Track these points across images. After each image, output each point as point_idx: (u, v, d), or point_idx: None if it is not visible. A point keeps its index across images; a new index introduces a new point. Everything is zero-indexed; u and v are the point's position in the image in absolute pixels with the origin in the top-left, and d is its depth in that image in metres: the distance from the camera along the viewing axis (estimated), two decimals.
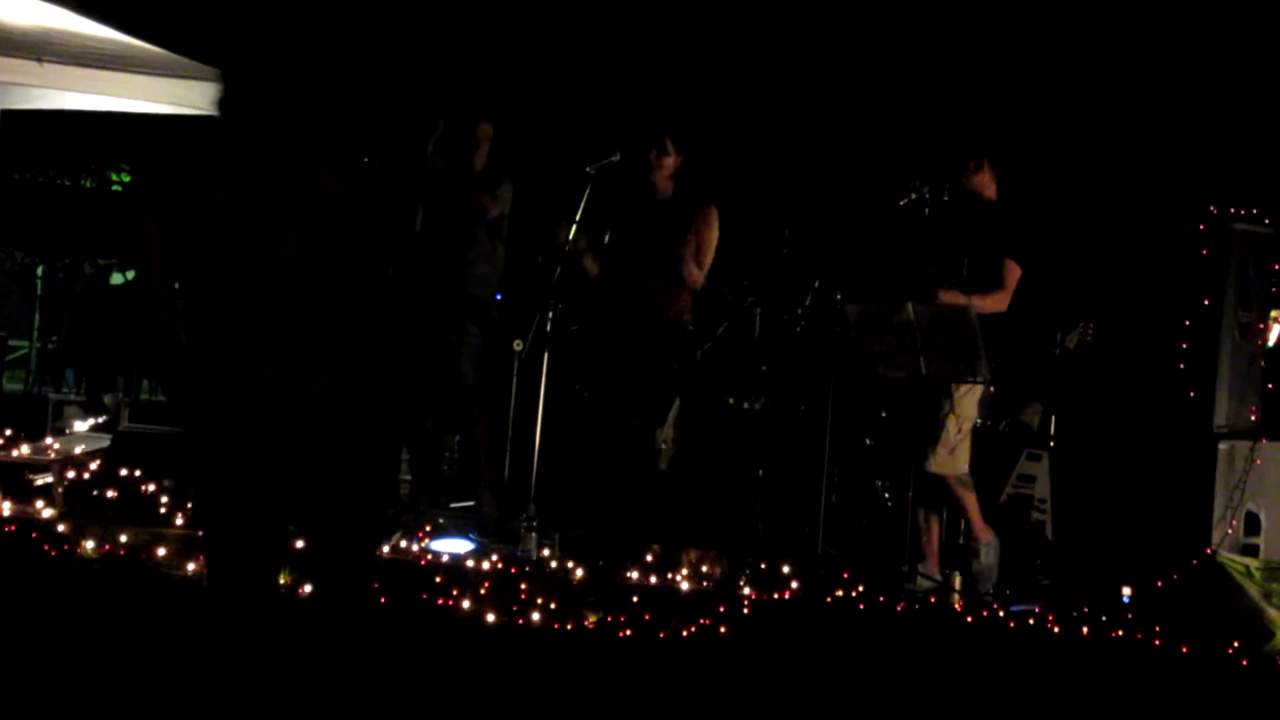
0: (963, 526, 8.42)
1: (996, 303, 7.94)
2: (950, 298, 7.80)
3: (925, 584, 7.90)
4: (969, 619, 7.50)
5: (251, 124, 5.08)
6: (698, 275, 8.30)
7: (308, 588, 6.01)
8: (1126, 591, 7.80)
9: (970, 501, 8.08)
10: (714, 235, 8.36)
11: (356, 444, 5.18)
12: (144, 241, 4.98)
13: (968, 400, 8.00)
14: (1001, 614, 7.54)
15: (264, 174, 4.99)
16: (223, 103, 5.11)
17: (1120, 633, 7.32)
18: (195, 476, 5.17)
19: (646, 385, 8.36)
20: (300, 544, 5.57)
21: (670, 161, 8.37)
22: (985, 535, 8.10)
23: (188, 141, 5.27)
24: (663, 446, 8.68)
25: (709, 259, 8.36)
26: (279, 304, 4.94)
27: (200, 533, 5.41)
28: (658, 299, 8.35)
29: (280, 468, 5.00)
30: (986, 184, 8.10)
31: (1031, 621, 7.41)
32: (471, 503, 9.00)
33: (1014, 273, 7.95)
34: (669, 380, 8.38)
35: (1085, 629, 7.32)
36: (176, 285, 5.02)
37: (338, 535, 5.21)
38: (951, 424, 7.96)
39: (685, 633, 6.89)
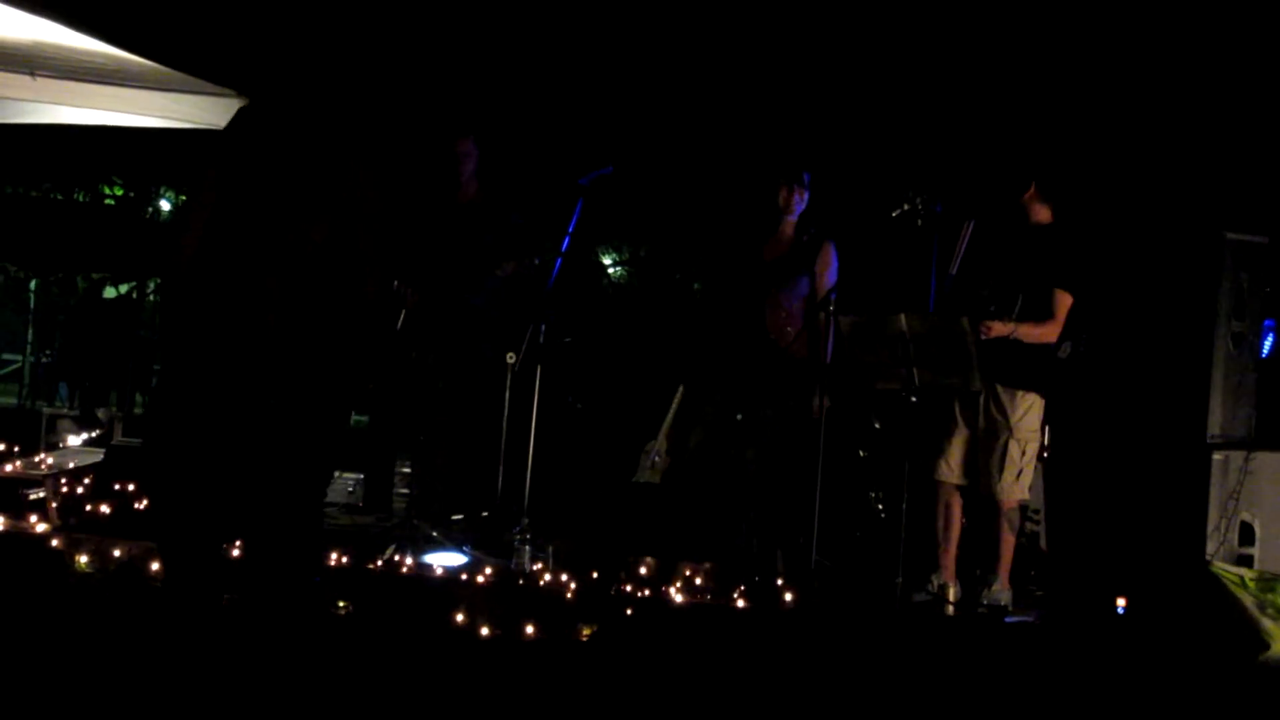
0: (956, 536, 8.36)
1: (1045, 333, 7.81)
2: (999, 330, 7.72)
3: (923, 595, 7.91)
4: (964, 631, 7.50)
5: (309, 116, 5.16)
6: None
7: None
8: (1121, 602, 7.80)
9: (1009, 543, 8.00)
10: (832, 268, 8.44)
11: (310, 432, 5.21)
12: (200, 194, 5.06)
13: (1027, 421, 7.92)
14: (996, 626, 7.54)
15: (308, 161, 5.07)
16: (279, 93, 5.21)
17: (1114, 643, 7.32)
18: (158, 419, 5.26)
19: (766, 418, 8.34)
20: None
21: (806, 197, 8.42)
22: (1006, 582, 8.03)
23: (253, 117, 5.33)
24: (655, 460, 8.69)
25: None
26: (288, 283, 5.00)
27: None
28: (775, 333, 8.38)
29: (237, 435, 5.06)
30: (1038, 206, 8.02)
31: (1026, 633, 7.40)
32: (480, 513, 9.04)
33: (1064, 302, 7.80)
34: (788, 414, 8.34)
35: (1079, 640, 7.31)
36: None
37: (279, 535, 5.23)
38: (1014, 448, 7.86)
39: (678, 645, 6.88)
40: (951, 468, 8.03)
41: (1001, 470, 7.85)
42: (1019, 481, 7.91)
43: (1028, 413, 7.90)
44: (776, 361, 8.35)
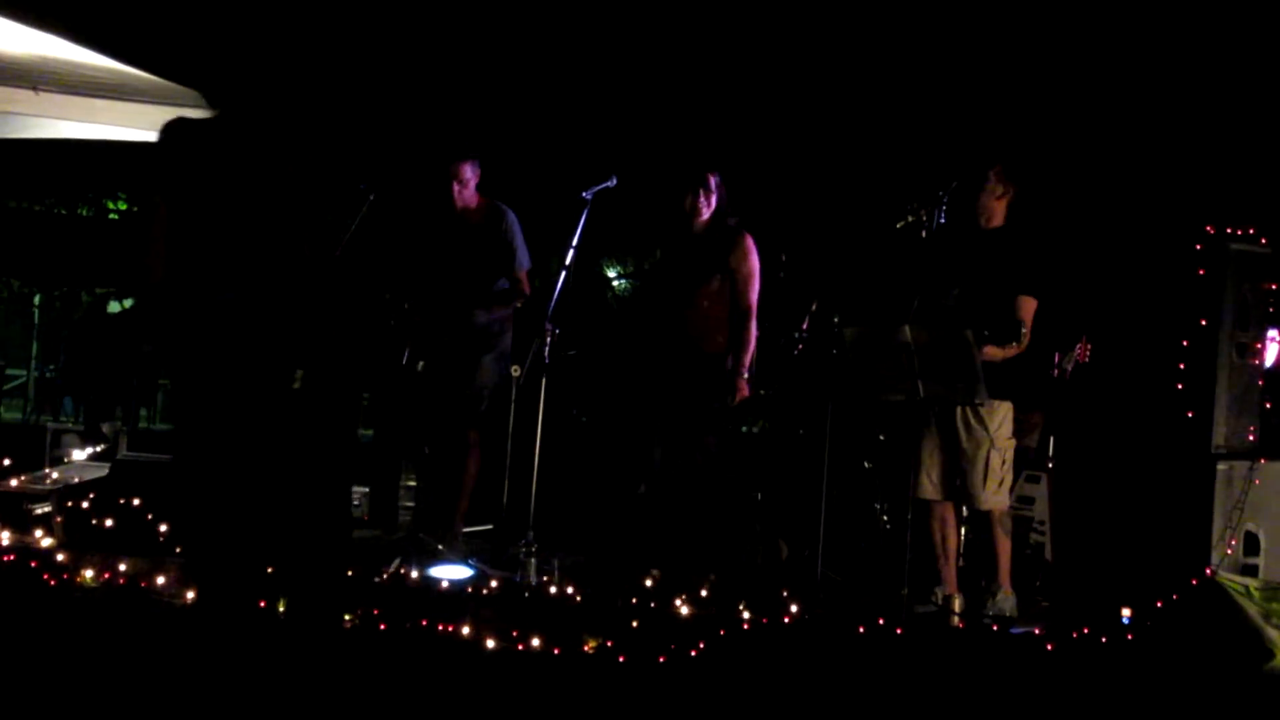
0: (954, 549, 8.33)
1: (1019, 346, 7.86)
2: (990, 353, 7.70)
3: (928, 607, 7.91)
4: (970, 642, 7.49)
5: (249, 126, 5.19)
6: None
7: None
8: (1126, 613, 7.78)
9: (1006, 548, 8.00)
10: (754, 265, 8.46)
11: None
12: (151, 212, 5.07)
13: (1004, 430, 7.90)
14: (1002, 637, 7.53)
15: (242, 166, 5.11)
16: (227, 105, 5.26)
17: (1120, 654, 7.31)
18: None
19: (679, 420, 8.37)
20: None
21: (713, 199, 8.45)
22: (1009, 588, 8.02)
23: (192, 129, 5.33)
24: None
25: (753, 290, 8.47)
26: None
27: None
28: (694, 332, 8.41)
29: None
30: (997, 210, 8.03)
31: (1031, 643, 7.40)
32: (485, 526, 9.04)
33: (1029, 307, 7.83)
34: (705, 417, 8.38)
35: (1085, 650, 7.30)
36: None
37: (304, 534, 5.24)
38: (995, 458, 7.86)
39: (684, 657, 6.87)
40: (934, 484, 8.02)
41: (985, 482, 7.85)
42: (1001, 490, 7.91)
43: (1004, 422, 7.90)
44: (698, 362, 8.36)
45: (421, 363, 8.77)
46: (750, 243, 8.43)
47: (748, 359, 8.30)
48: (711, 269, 8.37)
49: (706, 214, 8.46)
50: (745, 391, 8.32)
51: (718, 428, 8.42)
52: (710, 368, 8.35)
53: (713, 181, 8.47)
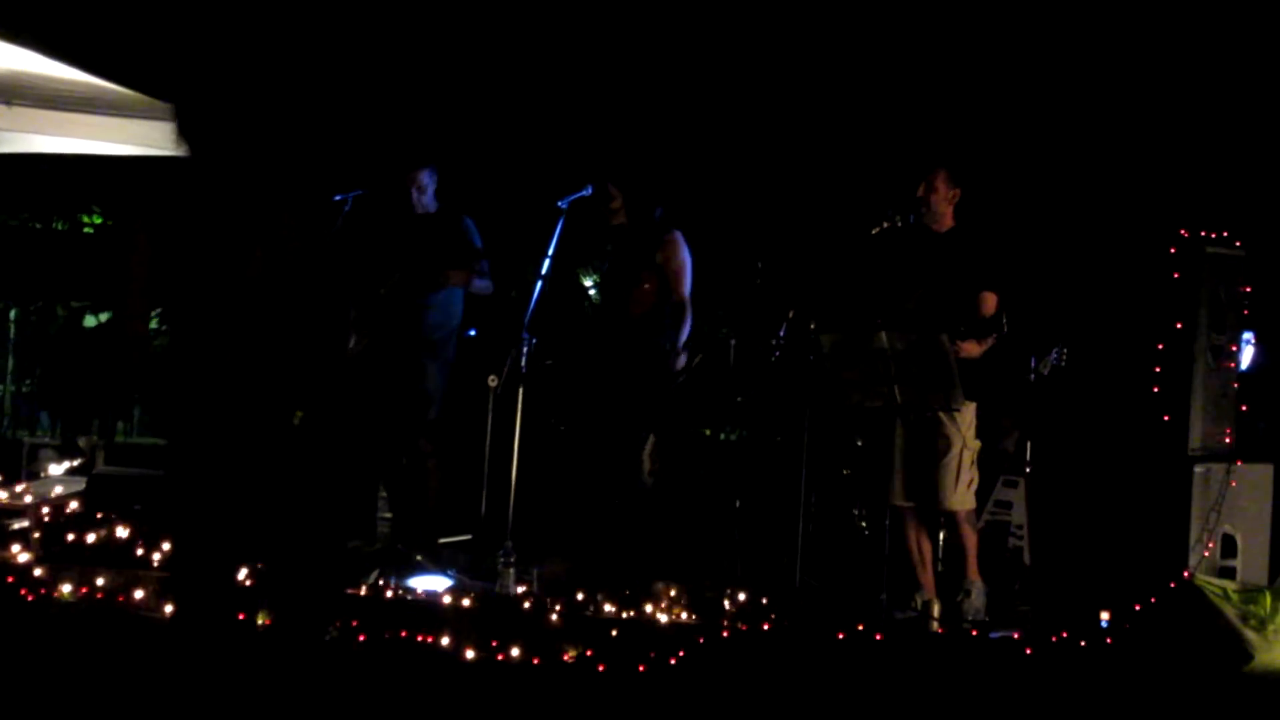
0: (930, 554, 8.33)
1: (997, 338, 7.87)
2: (973, 351, 7.72)
3: (907, 613, 7.91)
4: (949, 648, 7.50)
5: (226, 168, 5.12)
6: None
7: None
8: (1104, 616, 7.79)
9: (972, 542, 8.01)
10: (682, 260, 8.57)
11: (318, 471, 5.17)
12: (127, 278, 4.98)
13: (972, 430, 7.93)
14: (981, 642, 7.54)
15: (235, 219, 5.02)
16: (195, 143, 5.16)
17: (1098, 657, 7.32)
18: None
19: (629, 409, 8.45)
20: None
21: (618, 204, 8.58)
22: (978, 578, 8.03)
23: (173, 181, 5.25)
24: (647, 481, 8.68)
25: (684, 283, 8.59)
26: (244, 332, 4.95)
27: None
28: (635, 319, 8.52)
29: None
30: (946, 212, 8.04)
31: (1010, 648, 7.40)
32: (463, 537, 9.03)
33: (992, 303, 7.84)
34: (652, 405, 8.46)
35: (1063, 654, 7.31)
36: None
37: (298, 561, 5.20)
38: (966, 458, 7.88)
39: (663, 666, 6.86)
40: (906, 490, 8.02)
41: (956, 483, 7.85)
42: (970, 490, 7.93)
43: (972, 421, 7.91)
44: (643, 347, 8.59)
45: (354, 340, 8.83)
46: (677, 238, 8.65)
47: (682, 340, 8.48)
48: (641, 267, 8.55)
49: (620, 218, 8.66)
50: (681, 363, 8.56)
51: (661, 416, 8.53)
52: (654, 351, 8.51)
53: (615, 190, 8.61)
